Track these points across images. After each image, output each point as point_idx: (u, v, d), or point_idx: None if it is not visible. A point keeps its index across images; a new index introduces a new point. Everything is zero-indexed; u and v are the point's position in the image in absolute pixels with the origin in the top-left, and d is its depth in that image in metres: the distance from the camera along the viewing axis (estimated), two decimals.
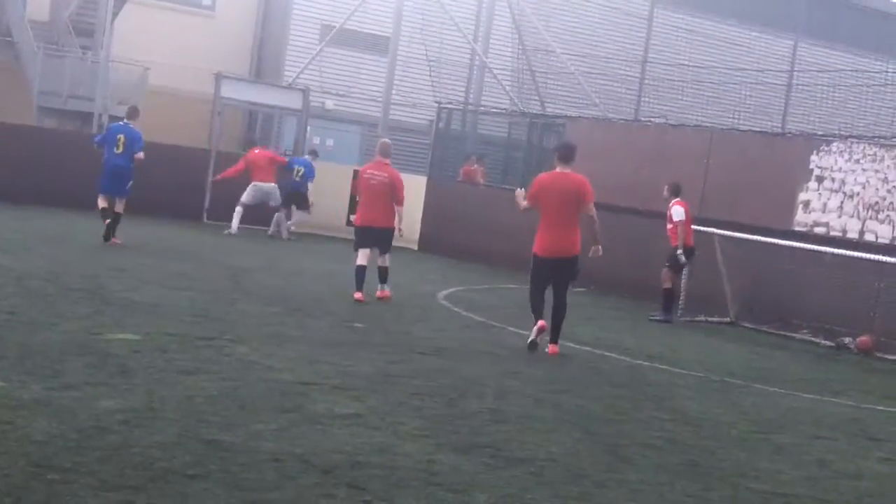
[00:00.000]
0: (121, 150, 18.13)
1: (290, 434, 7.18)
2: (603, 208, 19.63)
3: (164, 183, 23.52)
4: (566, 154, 12.61)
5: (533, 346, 12.16)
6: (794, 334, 16.89)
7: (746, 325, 17.49)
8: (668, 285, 17.18)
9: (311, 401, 8.24)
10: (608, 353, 12.81)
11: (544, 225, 12.40)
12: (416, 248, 24.18)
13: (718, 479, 7.52)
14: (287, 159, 24.41)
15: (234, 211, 23.04)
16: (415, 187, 23.94)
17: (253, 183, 23.23)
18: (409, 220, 23.75)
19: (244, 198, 23.15)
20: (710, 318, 17.61)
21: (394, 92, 28.32)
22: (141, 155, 18.28)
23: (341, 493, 6.09)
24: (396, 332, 12.35)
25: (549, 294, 12.40)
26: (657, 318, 16.93)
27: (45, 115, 27.42)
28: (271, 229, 23.75)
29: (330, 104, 31.49)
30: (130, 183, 18.27)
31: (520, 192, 12.86)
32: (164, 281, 14.04)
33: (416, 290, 17.02)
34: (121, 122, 18.88)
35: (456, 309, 14.93)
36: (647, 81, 25.54)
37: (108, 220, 17.83)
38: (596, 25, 29.32)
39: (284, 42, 32.76)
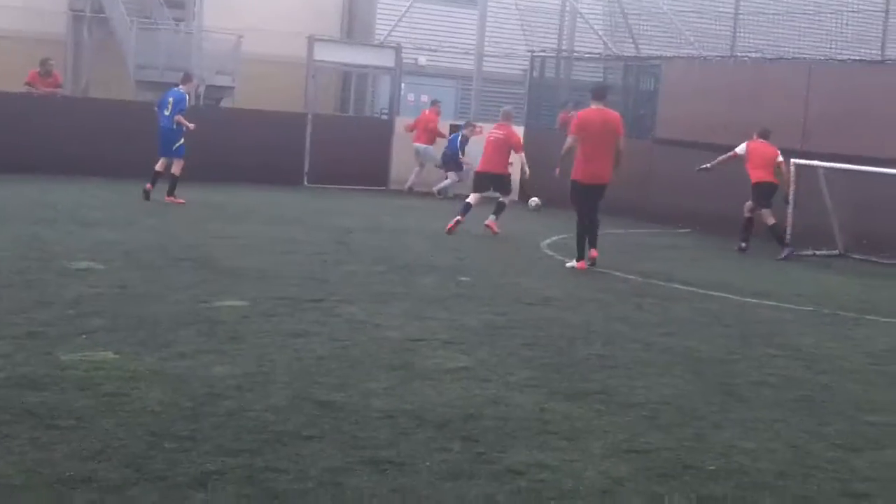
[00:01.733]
0: (169, 112, 19.05)
1: (401, 391, 7.22)
2: (703, 147, 19.51)
3: (264, 148, 23.76)
4: (600, 93, 14.52)
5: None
6: None
7: (856, 256, 17.16)
8: (770, 220, 16.98)
9: (421, 357, 8.27)
10: (715, 293, 12.66)
11: (585, 155, 13.92)
12: (516, 197, 24.08)
13: (834, 414, 7.41)
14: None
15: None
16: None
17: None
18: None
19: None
20: (818, 252, 17.30)
21: (486, 44, 28.12)
22: (180, 117, 18.99)
23: (456, 447, 6.11)
24: (502, 284, 12.33)
25: None
26: (782, 256, 16.80)
27: (144, 88, 27.75)
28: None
29: (423, 60, 31.39)
30: (178, 143, 19.05)
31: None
32: (268, 246, 14.18)
33: (520, 239, 16.99)
34: (174, 87, 19.73)
35: (560, 257, 14.85)
36: (740, 16, 25.00)
37: (147, 185, 18.80)
38: None
39: (374, 1, 32.72)
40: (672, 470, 5.98)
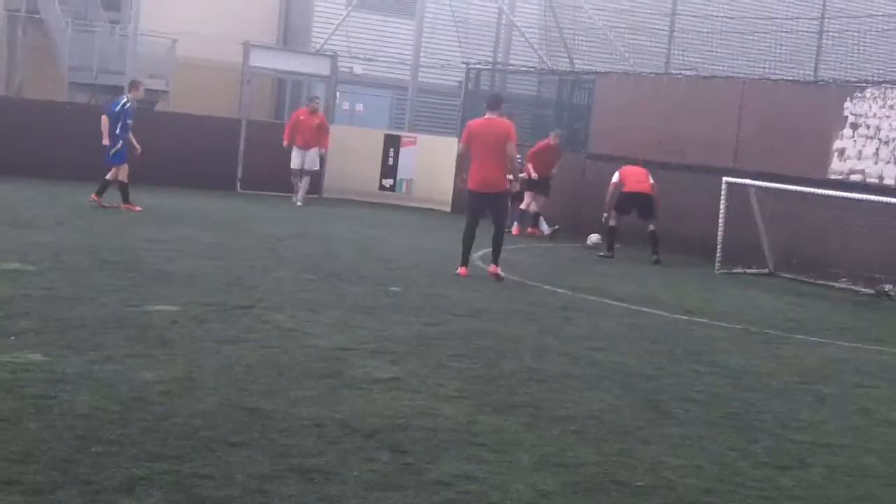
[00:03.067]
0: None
1: (329, 399, 7.20)
2: (634, 163, 19.65)
3: (197, 153, 23.63)
4: (494, 103, 14.66)
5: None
6: (833, 283, 16.77)
7: (785, 275, 17.38)
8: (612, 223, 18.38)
9: (350, 366, 8.25)
10: (645, 309, 12.76)
11: (475, 164, 14.16)
12: (448, 209, 24.14)
13: (761, 431, 7.49)
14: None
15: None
16: (446, 148, 23.93)
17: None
18: (442, 181, 23.79)
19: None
20: (748, 270, 17.52)
21: (422, 54, 28.19)
22: (103, 119, 18.85)
23: (384, 457, 6.10)
24: (432, 295, 12.34)
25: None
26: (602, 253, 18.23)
27: (77, 90, 27.51)
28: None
29: (358, 69, 31.36)
30: (114, 150, 18.77)
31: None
32: (199, 251, 14.08)
33: (450, 252, 16.99)
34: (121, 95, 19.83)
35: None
36: (676, 34, 25.29)
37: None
38: None
39: (311, 8, 32.62)
40: (599, 485, 6.01)
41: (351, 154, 25.06)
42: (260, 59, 26.06)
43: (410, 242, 16.59)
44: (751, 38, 24.72)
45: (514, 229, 19.87)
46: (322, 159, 24.18)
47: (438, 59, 29.21)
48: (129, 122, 18.98)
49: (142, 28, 28.23)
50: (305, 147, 23.34)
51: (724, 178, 17.46)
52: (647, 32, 25.68)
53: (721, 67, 23.23)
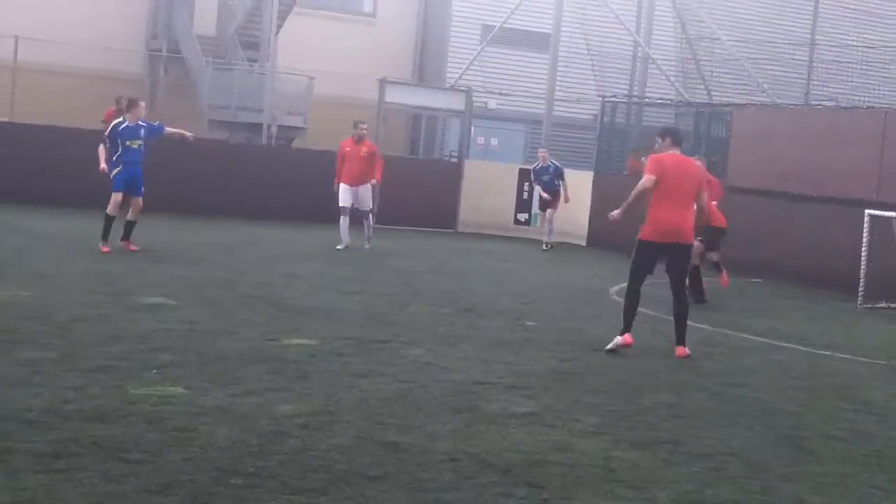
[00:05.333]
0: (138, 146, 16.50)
1: (466, 434, 7.20)
2: (775, 196, 19.35)
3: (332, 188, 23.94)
4: (679, 137, 11.94)
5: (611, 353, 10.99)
6: None
7: None
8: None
9: (486, 400, 8.24)
10: (785, 344, 12.51)
11: (661, 207, 11.11)
12: (584, 243, 24.04)
13: None
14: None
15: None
16: (582, 182, 23.87)
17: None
18: (578, 215, 23.69)
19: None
20: (892, 305, 17.05)
21: (557, 88, 28.19)
22: (101, 150, 16.66)
23: (520, 492, 6.07)
24: (569, 330, 12.27)
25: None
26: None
27: (216, 127, 28.15)
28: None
29: (493, 104, 31.54)
30: (113, 173, 16.47)
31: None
32: (336, 285, 14.23)
33: (587, 286, 16.90)
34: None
35: None
36: (815, 64, 24.90)
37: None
38: (760, 9, 28.77)
39: (445, 44, 32.95)
40: None
41: (485, 188, 25.16)
42: (395, 95, 26.32)
43: (546, 277, 16.55)
44: (892, 67, 24.22)
45: (723, 279, 16.86)
46: (375, 194, 20.64)
47: (573, 93, 29.20)
48: (134, 145, 16.36)
49: (279, 66, 28.79)
50: (352, 184, 19.35)
51: (867, 211, 17.06)
52: (786, 63, 25.34)
53: (862, 97, 22.78)
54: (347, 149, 19.41)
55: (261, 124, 27.80)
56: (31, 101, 25.19)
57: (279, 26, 29.51)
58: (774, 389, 9.74)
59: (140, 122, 16.58)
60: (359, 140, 19.50)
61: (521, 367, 9.71)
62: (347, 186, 19.27)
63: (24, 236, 16.99)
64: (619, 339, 11.01)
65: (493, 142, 31.83)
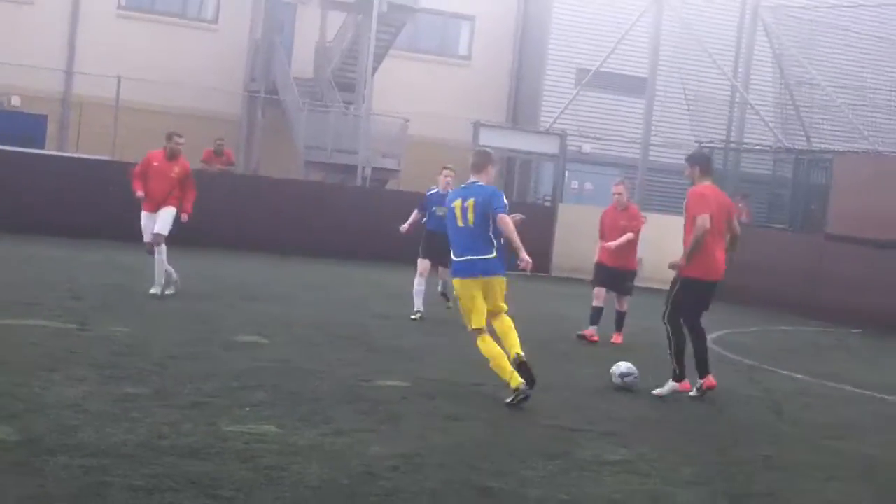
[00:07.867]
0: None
1: (558, 481, 7.08)
2: (877, 244, 18.96)
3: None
4: (708, 164, 11.46)
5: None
6: None
7: None
8: None
9: (579, 447, 8.12)
10: (889, 397, 12.18)
11: (707, 244, 10.75)
12: None
13: None
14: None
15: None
16: (678, 227, 23.58)
17: None
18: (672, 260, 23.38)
19: None
20: None
21: (652, 132, 28.03)
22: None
23: None
24: (664, 378, 12.06)
25: None
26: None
27: (312, 168, 28.41)
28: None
29: (587, 147, 31.43)
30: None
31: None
32: (427, 327, 14.20)
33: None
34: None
35: (724, 352, 14.51)
36: None
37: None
38: (861, 55, 28.33)
39: (540, 87, 32.96)
40: None
41: (580, 232, 24.95)
42: (489, 138, 26.31)
43: (640, 323, 16.31)
44: None
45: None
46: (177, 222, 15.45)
47: (669, 138, 28.98)
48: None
49: (374, 108, 29.00)
50: (151, 209, 15.27)
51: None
52: (889, 110, 24.92)
53: None
54: (155, 163, 15.32)
55: (356, 166, 28.00)
56: (133, 139, 25.59)
57: (375, 68, 29.75)
58: (877, 442, 9.48)
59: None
60: (173, 156, 15.35)
61: (615, 414, 9.57)
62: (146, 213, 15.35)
63: (125, 272, 17.22)
64: (676, 385, 10.79)
65: (588, 185, 31.70)
